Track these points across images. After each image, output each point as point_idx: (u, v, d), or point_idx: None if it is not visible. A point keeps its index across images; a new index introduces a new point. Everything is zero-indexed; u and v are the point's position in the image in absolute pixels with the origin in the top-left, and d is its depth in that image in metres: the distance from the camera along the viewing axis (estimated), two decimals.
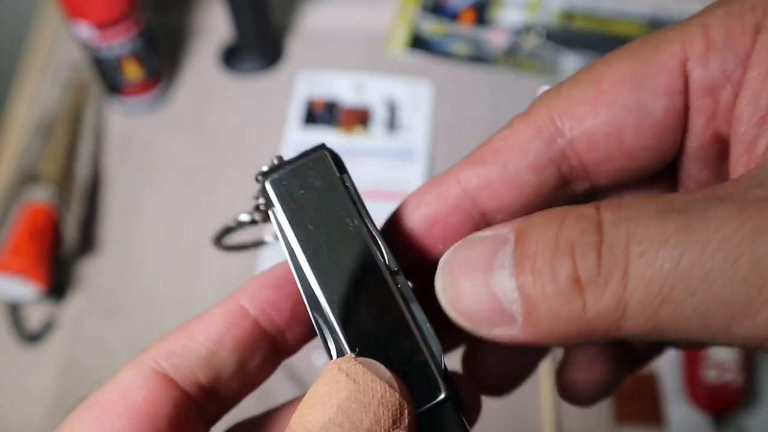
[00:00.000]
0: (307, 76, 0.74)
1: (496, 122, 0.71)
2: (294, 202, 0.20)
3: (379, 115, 0.71)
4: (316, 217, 0.19)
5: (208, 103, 0.73)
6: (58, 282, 0.61)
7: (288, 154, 0.68)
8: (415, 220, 0.21)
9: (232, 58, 0.75)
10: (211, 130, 0.71)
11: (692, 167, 0.20)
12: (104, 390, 0.19)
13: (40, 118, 0.70)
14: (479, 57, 0.75)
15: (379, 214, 0.21)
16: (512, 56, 0.75)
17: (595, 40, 0.75)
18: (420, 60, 0.75)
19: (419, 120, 0.70)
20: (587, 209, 0.16)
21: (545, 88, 0.75)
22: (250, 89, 0.73)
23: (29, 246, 0.58)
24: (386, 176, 0.67)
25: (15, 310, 0.60)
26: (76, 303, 0.62)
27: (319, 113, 0.71)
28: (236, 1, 0.69)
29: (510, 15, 0.77)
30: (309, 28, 0.78)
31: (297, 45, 0.76)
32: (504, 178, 0.20)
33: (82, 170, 0.66)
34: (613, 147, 0.19)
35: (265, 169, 0.21)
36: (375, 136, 0.69)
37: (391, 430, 0.16)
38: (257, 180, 0.21)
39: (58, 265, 0.61)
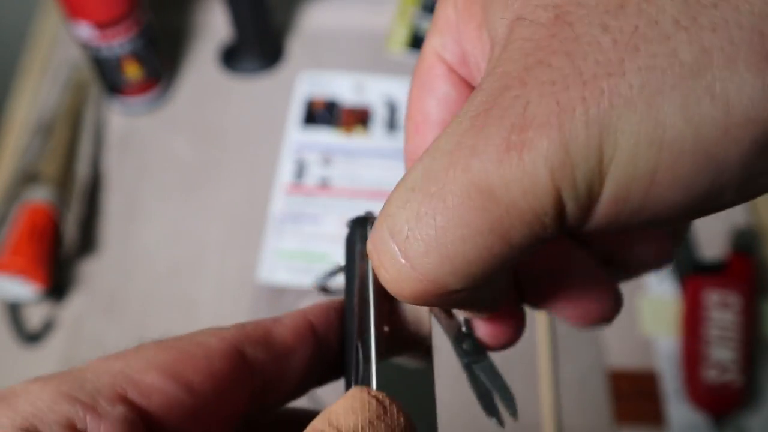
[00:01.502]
0: (307, 76, 0.74)
1: None
2: (346, 263, 0.23)
3: (379, 115, 0.71)
4: (348, 279, 0.22)
5: (208, 104, 0.73)
6: (57, 282, 0.61)
7: (287, 154, 0.68)
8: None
9: (232, 58, 0.75)
10: (211, 131, 0.71)
11: None
12: (186, 340, 0.20)
13: (40, 118, 0.70)
14: None
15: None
16: None
17: None
18: None
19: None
20: None
21: None
22: (250, 89, 0.73)
23: (29, 246, 0.58)
24: (386, 176, 0.67)
25: (15, 310, 0.60)
26: (76, 303, 0.62)
27: (319, 113, 0.71)
28: (236, 1, 0.69)
29: None
30: (309, 28, 0.78)
31: (297, 45, 0.76)
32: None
33: (82, 170, 0.66)
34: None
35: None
36: (375, 136, 0.69)
37: None
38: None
39: (58, 265, 0.61)
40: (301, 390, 0.23)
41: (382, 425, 0.18)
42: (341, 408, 0.18)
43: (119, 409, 0.17)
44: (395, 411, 0.18)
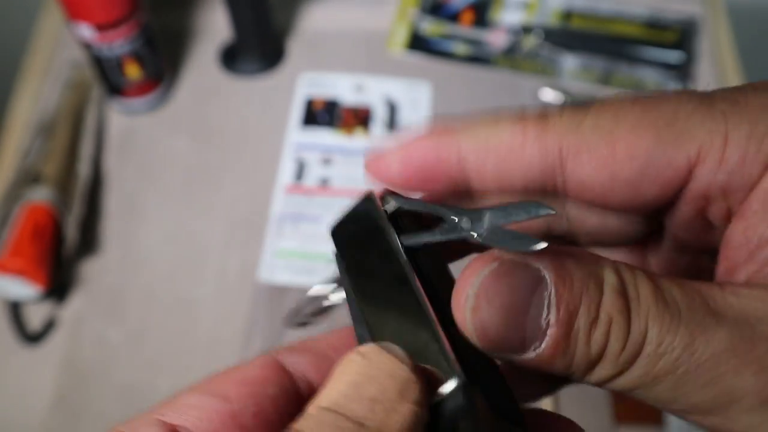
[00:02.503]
0: (307, 76, 0.74)
1: None
2: (347, 248, 0.21)
3: (379, 115, 0.71)
4: (365, 259, 0.21)
5: (208, 104, 0.73)
6: (58, 282, 0.61)
7: (287, 154, 0.68)
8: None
9: (232, 58, 0.75)
10: (211, 131, 0.71)
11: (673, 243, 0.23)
12: (232, 366, 0.22)
13: (41, 119, 0.70)
14: (479, 57, 0.75)
15: None
16: (511, 56, 0.75)
17: (595, 41, 0.75)
18: (420, 60, 0.75)
19: (419, 120, 0.71)
20: (614, 277, 0.18)
21: (546, 89, 0.74)
22: (251, 90, 0.74)
23: (30, 246, 0.58)
24: None
25: (16, 310, 0.60)
26: (77, 303, 0.62)
27: (320, 114, 0.71)
28: (237, 1, 0.69)
29: (509, 15, 0.77)
30: (309, 29, 0.78)
31: (297, 46, 0.76)
32: (500, 177, 0.21)
33: (82, 170, 0.66)
34: (597, 197, 0.21)
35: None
36: (375, 137, 0.69)
37: (397, 401, 0.17)
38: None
39: (59, 265, 0.61)
40: None
41: (361, 379, 0.17)
42: (328, 379, 0.18)
43: (154, 430, 0.19)
44: (380, 356, 0.18)
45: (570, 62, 0.74)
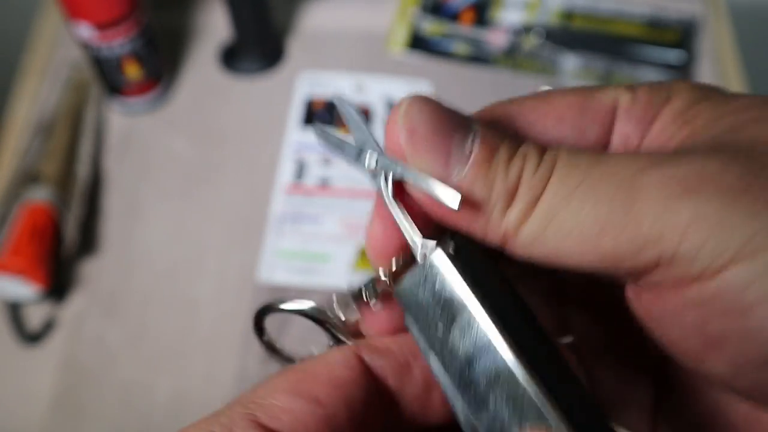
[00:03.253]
0: (307, 76, 0.74)
1: None
2: (420, 309, 0.20)
3: (380, 115, 0.71)
4: (443, 319, 0.20)
5: (208, 104, 0.73)
6: (58, 282, 0.61)
7: (287, 154, 0.68)
8: None
9: (232, 58, 0.75)
10: (211, 131, 0.71)
11: None
12: (309, 362, 0.21)
13: (41, 119, 0.70)
14: (479, 57, 0.75)
15: None
16: (512, 56, 0.75)
17: (595, 40, 0.75)
18: (420, 60, 0.75)
19: None
20: (535, 147, 0.20)
21: (545, 87, 0.75)
22: (251, 90, 0.74)
23: (29, 246, 0.58)
24: None
25: (15, 310, 0.60)
26: (76, 303, 0.62)
27: (319, 113, 0.71)
28: (236, 1, 0.69)
29: (510, 15, 0.77)
30: (309, 29, 0.78)
31: (297, 45, 0.76)
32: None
33: (82, 170, 0.66)
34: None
35: (394, 265, 0.21)
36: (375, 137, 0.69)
37: None
38: (384, 275, 0.21)
39: (58, 265, 0.61)
40: (434, 408, 0.22)
41: None
42: None
43: None
44: None
45: (570, 62, 0.74)
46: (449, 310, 0.19)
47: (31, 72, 0.75)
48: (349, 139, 0.22)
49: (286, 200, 0.66)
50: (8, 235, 0.58)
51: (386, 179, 0.21)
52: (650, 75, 0.73)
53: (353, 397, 0.20)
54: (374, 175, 0.21)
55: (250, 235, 0.64)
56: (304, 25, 0.78)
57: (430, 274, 0.20)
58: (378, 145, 0.22)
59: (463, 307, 0.19)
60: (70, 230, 0.62)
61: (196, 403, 0.57)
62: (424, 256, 0.20)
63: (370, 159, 0.22)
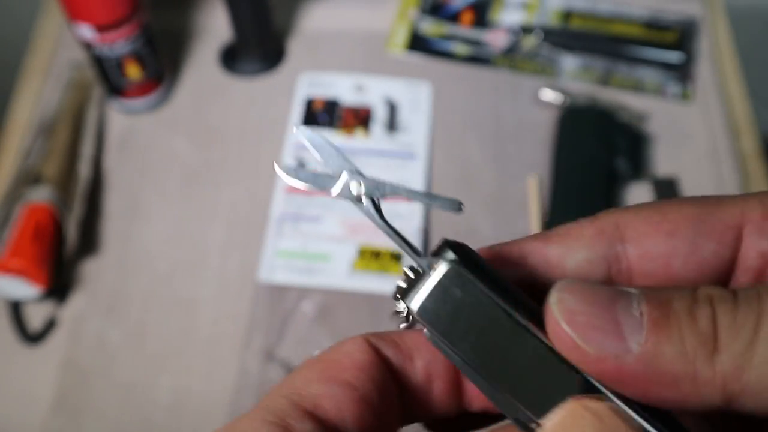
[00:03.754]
0: (307, 76, 0.74)
1: (496, 123, 0.71)
2: (445, 322, 0.20)
3: (379, 115, 0.71)
4: (468, 326, 0.20)
5: (208, 104, 0.73)
6: (59, 282, 0.61)
7: (287, 154, 0.69)
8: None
9: (232, 58, 0.75)
10: (211, 131, 0.71)
11: None
12: (326, 353, 0.21)
13: (42, 119, 0.70)
14: (479, 57, 0.75)
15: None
16: (511, 57, 0.75)
17: (594, 41, 0.75)
18: (420, 60, 0.75)
19: (419, 120, 0.71)
20: (717, 288, 0.18)
21: (546, 89, 0.75)
22: (251, 90, 0.74)
23: (31, 246, 0.58)
24: (386, 177, 0.67)
25: (16, 310, 0.61)
26: (77, 303, 0.62)
27: (320, 114, 0.71)
28: (237, 2, 0.69)
29: (509, 16, 0.77)
30: (309, 29, 0.78)
31: (297, 46, 0.77)
32: (562, 258, 0.22)
33: (83, 171, 0.66)
34: (661, 268, 0.21)
35: (402, 285, 0.21)
36: (375, 137, 0.70)
37: None
38: (396, 298, 0.21)
39: (59, 265, 0.61)
40: (438, 398, 0.22)
41: None
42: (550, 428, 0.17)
43: (308, 425, 0.19)
44: (616, 424, 0.17)
45: (570, 62, 0.74)
46: (475, 314, 0.20)
47: (32, 72, 0.76)
48: (321, 169, 0.21)
49: (286, 200, 0.66)
50: (9, 236, 0.58)
51: (374, 202, 0.21)
52: (649, 75, 0.73)
53: (378, 378, 0.20)
54: (358, 199, 0.21)
55: (250, 235, 0.65)
56: (304, 26, 0.78)
57: (446, 286, 0.20)
58: (357, 168, 0.21)
59: (489, 307, 0.20)
60: (71, 230, 0.62)
61: (196, 403, 0.57)
62: (438, 270, 0.20)
63: (351, 184, 0.21)
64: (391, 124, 0.70)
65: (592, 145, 0.67)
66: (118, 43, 0.65)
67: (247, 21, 0.71)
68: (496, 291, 0.20)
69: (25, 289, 0.58)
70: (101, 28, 0.64)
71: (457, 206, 0.20)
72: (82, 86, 0.72)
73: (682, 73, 0.73)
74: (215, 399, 0.57)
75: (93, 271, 0.64)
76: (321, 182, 0.21)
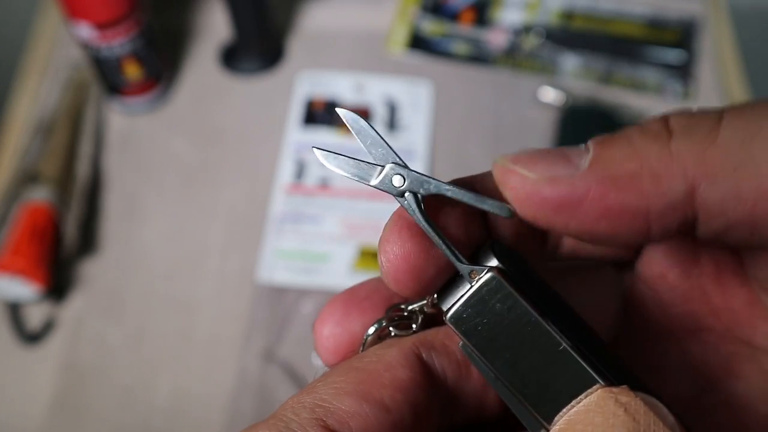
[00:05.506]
0: (307, 76, 0.74)
1: (496, 122, 0.71)
2: (481, 336, 0.19)
3: (380, 115, 0.71)
4: (506, 341, 0.19)
5: (208, 104, 0.73)
6: (58, 282, 0.61)
7: (287, 154, 0.68)
8: None
9: (232, 58, 0.75)
10: (211, 131, 0.71)
11: None
12: (366, 359, 0.19)
13: (40, 118, 0.70)
14: (479, 57, 0.75)
15: (380, 214, 0.21)
16: (512, 56, 0.75)
17: (595, 40, 0.75)
18: (420, 60, 0.75)
19: (419, 120, 0.70)
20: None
21: (546, 89, 0.74)
22: (250, 89, 0.73)
23: (29, 246, 0.58)
24: None
25: (15, 310, 0.60)
26: (76, 303, 0.62)
27: (319, 113, 0.71)
28: (236, 1, 0.69)
29: (510, 15, 0.77)
30: (309, 29, 0.78)
31: (297, 45, 0.76)
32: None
33: (82, 170, 0.66)
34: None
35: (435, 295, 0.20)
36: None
37: None
38: (433, 304, 0.20)
39: (58, 265, 0.61)
40: (490, 406, 0.21)
41: None
42: (579, 422, 0.16)
43: None
44: (652, 422, 0.16)
45: (570, 62, 0.74)
46: (514, 329, 0.19)
47: (31, 72, 0.75)
48: (361, 155, 0.20)
49: (286, 200, 0.66)
50: (8, 235, 0.58)
51: (417, 198, 0.19)
52: (650, 75, 0.73)
53: (417, 402, 0.19)
54: (400, 194, 0.19)
55: (250, 235, 0.64)
56: (304, 25, 0.78)
57: (486, 298, 0.19)
58: (402, 160, 0.20)
59: (531, 324, 0.18)
60: (70, 230, 0.62)
61: (195, 403, 0.57)
62: (479, 280, 0.19)
63: (394, 177, 0.19)
64: (391, 124, 0.70)
65: None
66: (117, 42, 0.65)
67: (247, 20, 0.71)
68: (539, 306, 0.19)
69: (23, 289, 0.58)
70: (100, 27, 0.64)
71: (507, 211, 0.19)
72: (80, 85, 0.71)
73: (684, 72, 0.73)
74: (214, 399, 0.57)
75: (92, 271, 0.63)
76: (363, 172, 0.20)
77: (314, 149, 0.20)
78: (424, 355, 0.20)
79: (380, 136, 0.20)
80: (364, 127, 0.20)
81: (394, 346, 0.20)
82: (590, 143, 0.17)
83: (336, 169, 0.20)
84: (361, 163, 0.20)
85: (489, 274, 0.19)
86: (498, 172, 0.18)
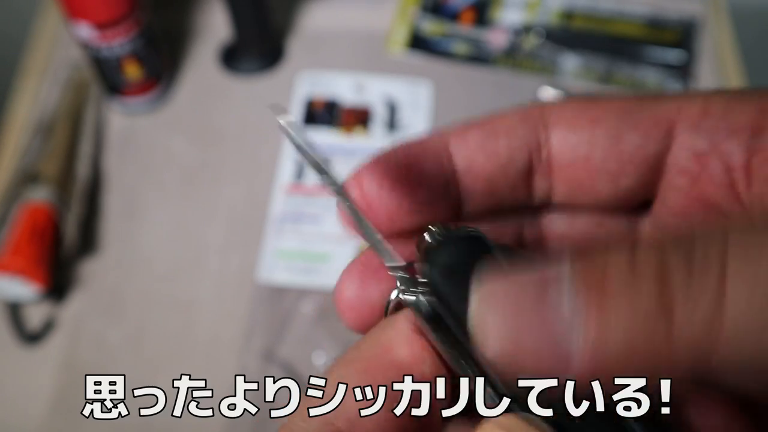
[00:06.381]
0: (307, 76, 0.74)
1: None
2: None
3: (380, 115, 0.71)
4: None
5: (208, 104, 0.73)
6: (58, 282, 0.61)
7: (287, 154, 0.68)
8: None
9: (232, 58, 0.75)
10: (211, 131, 0.71)
11: (667, 217, 0.20)
12: (363, 346, 0.19)
13: (40, 118, 0.70)
14: (479, 57, 0.75)
15: None
16: (512, 56, 0.75)
17: (595, 40, 0.75)
18: (420, 60, 0.75)
19: (419, 120, 0.70)
20: (658, 234, 0.16)
21: (546, 88, 0.74)
22: (250, 90, 0.73)
23: (29, 246, 0.58)
24: None
25: (15, 310, 0.60)
26: (76, 303, 0.62)
27: (319, 113, 0.71)
28: (236, 1, 0.69)
29: (510, 15, 0.77)
30: (309, 29, 0.78)
31: (297, 45, 0.76)
32: (482, 146, 0.20)
33: (82, 170, 0.66)
34: (581, 160, 0.20)
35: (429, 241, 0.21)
36: (375, 137, 0.69)
37: None
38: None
39: (58, 265, 0.61)
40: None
41: None
42: None
43: None
44: None
45: (570, 62, 0.74)
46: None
47: (31, 72, 0.75)
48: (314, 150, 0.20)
49: (286, 200, 0.66)
50: (8, 235, 0.58)
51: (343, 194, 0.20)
52: (650, 75, 0.73)
53: (422, 375, 0.19)
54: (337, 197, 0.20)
55: (250, 235, 0.64)
56: (304, 25, 0.78)
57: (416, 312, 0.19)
58: (327, 168, 0.20)
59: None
60: (70, 230, 0.62)
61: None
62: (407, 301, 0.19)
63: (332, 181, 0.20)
64: (391, 124, 0.70)
65: None
66: (117, 42, 0.65)
67: (247, 20, 0.71)
68: (449, 338, 0.18)
69: (23, 288, 0.58)
70: (100, 27, 0.64)
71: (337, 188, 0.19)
72: (80, 85, 0.71)
73: (684, 72, 0.73)
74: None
75: (92, 271, 0.63)
76: (315, 156, 0.19)
77: (283, 121, 0.18)
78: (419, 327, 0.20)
79: (308, 145, 0.19)
80: (307, 143, 0.19)
81: (392, 325, 0.20)
82: (572, 274, 0.15)
83: (295, 141, 0.19)
84: (317, 149, 0.19)
85: (407, 310, 0.19)
86: (483, 350, 0.16)
